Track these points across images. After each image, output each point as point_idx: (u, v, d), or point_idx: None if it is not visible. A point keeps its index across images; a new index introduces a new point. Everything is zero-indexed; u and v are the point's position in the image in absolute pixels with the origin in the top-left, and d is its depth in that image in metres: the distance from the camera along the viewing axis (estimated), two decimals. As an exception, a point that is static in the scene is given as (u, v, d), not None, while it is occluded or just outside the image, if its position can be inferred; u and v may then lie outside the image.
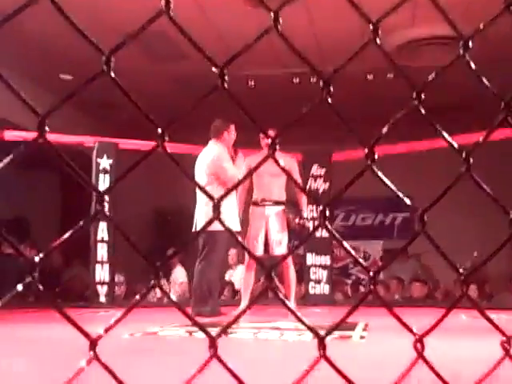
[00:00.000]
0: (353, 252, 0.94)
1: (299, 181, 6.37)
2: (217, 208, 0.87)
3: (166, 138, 0.86)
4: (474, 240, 9.72)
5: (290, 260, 6.22)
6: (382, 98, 9.02)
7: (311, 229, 6.90)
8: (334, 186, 8.17)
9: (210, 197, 0.89)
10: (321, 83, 0.93)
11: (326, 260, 7.92)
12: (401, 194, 1.02)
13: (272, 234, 6.10)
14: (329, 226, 0.89)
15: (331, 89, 0.93)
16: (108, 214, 0.83)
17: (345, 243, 0.97)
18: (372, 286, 0.91)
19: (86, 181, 0.83)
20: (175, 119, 0.87)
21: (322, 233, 7.74)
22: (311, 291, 7.97)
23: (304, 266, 8.06)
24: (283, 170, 0.94)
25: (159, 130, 0.86)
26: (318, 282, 7.96)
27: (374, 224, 12.13)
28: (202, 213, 5.71)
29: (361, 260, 0.94)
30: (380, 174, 0.93)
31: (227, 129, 5.87)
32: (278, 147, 0.90)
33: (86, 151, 7.76)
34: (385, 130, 0.97)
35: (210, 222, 0.88)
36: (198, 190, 5.39)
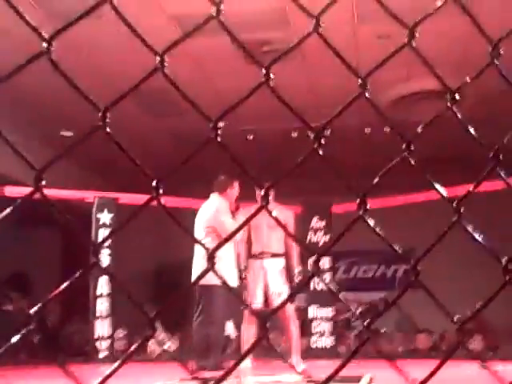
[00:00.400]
0: (343, 301, 0.94)
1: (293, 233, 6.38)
2: (211, 259, 0.88)
3: (161, 191, 0.88)
4: (477, 291, 9.64)
5: (291, 312, 6.16)
6: (380, 151, 9.11)
7: (311, 281, 6.84)
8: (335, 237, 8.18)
9: (205, 247, 0.90)
10: (311, 136, 0.96)
11: (328, 312, 7.85)
12: (394, 246, 1.03)
13: (271, 286, 6.07)
14: (323, 276, 0.90)
15: (322, 141, 0.95)
16: (104, 266, 0.84)
17: (341, 294, 0.98)
18: (366, 336, 0.91)
19: (81, 233, 0.84)
20: (170, 172, 0.89)
21: (324, 285, 7.71)
22: (313, 345, 7.88)
23: (306, 319, 7.98)
24: (277, 221, 0.95)
25: (154, 183, 0.88)
26: (321, 334, 7.88)
27: (375, 276, 12.07)
28: (198, 266, 5.70)
29: (353, 309, 0.94)
30: (372, 223, 0.95)
31: (231, 185, 5.94)
32: (270, 199, 0.92)
33: (86, 206, 7.80)
34: (376, 180, 0.99)
35: (203, 274, 0.89)
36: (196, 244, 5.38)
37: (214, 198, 5.96)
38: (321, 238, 8.18)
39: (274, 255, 6.19)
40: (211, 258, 0.87)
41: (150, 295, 10.43)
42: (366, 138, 9.34)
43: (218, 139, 0.92)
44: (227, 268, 5.65)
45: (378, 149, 9.49)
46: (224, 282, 0.90)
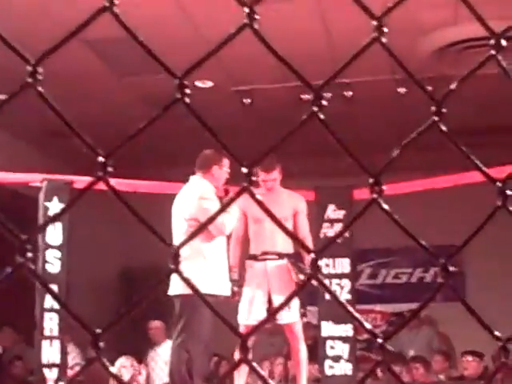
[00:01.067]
0: (356, 315, 0.94)
1: (306, 225, 6.35)
2: (175, 258, 0.87)
3: (110, 169, 0.88)
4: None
5: (299, 331, 6.18)
6: (418, 116, 9.08)
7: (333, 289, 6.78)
8: (357, 234, 8.16)
9: (168, 244, 0.90)
10: (310, 97, 0.96)
11: (346, 330, 7.86)
12: (421, 241, 1.03)
13: (276, 297, 6.05)
14: (321, 279, 0.90)
15: (323, 103, 0.95)
16: (33, 267, 0.84)
17: (364, 306, 0.98)
18: (381, 357, 0.91)
19: (3, 225, 0.84)
20: (121, 145, 0.89)
21: (341, 294, 7.68)
22: (328, 372, 7.89)
23: (319, 339, 8.00)
24: (261, 206, 0.95)
25: (100, 159, 0.87)
26: (337, 359, 7.89)
27: (410, 282, 12.05)
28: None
29: (366, 324, 0.94)
30: (386, 208, 0.94)
31: (219, 162, 5.84)
32: (254, 179, 0.92)
33: (31, 193, 7.79)
34: (395, 154, 0.98)
35: (166, 277, 0.88)
36: (174, 241, 5.34)
37: (196, 180, 5.90)
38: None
39: (281, 256, 6.18)
40: (175, 257, 0.87)
41: (118, 308, 10.49)
42: (400, 101, 9.30)
43: (186, 100, 0.91)
44: (216, 274, 5.61)
45: (414, 114, 9.47)
46: (193, 288, 0.89)
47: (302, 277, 6.09)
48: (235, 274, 6.12)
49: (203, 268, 5.37)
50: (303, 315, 6.16)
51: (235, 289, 6.03)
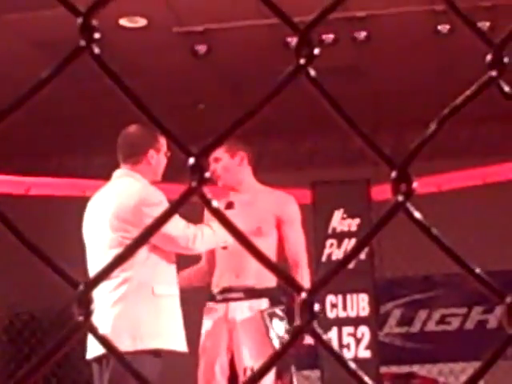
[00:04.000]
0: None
1: (300, 240, 6.34)
2: (84, 302, 0.87)
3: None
4: None
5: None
6: (468, 70, 9.13)
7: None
8: (381, 256, 8.17)
9: (72, 281, 0.89)
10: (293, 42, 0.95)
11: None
12: (475, 269, 1.03)
13: (244, 357, 6.06)
14: (318, 332, 0.90)
15: (315, 51, 0.95)
16: None
17: (362, 375, 0.98)
18: None
19: None
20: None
21: (356, 351, 7.71)
22: None
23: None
24: (221, 220, 0.94)
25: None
26: None
27: (464, 328, 12.04)
28: (102, 319, 5.64)
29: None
30: (419, 217, 0.94)
31: (154, 143, 5.86)
32: (207, 175, 0.91)
33: None
34: (431, 130, 0.98)
35: (71, 333, 0.88)
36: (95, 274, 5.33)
37: (126, 176, 5.87)
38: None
39: (252, 293, 6.21)
40: (84, 301, 0.86)
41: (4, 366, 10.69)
42: (442, 46, 9.32)
43: (95, 50, 0.91)
44: (170, 316, 5.62)
45: (463, 67, 9.51)
46: (114, 352, 0.89)
47: (281, 329, 5.99)
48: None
49: (150, 310, 5.39)
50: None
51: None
